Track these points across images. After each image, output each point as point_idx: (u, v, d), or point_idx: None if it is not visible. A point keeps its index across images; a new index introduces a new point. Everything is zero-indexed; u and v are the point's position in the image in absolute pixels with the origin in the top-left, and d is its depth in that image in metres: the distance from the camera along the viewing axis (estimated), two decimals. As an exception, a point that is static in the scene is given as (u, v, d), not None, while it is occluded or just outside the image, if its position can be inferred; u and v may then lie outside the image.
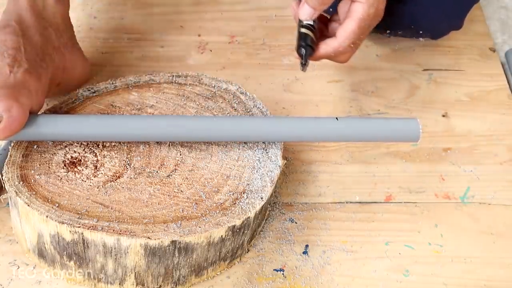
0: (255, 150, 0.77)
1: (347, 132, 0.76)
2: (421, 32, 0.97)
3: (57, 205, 0.69)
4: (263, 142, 0.78)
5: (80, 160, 0.74)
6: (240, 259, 0.77)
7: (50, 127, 0.72)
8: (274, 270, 0.76)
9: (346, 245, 0.79)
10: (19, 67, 0.73)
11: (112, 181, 0.72)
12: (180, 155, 0.76)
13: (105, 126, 0.73)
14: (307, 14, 0.80)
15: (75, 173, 0.72)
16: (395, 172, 0.87)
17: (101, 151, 0.75)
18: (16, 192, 0.69)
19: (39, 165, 0.73)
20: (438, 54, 1.03)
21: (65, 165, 0.73)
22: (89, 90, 0.82)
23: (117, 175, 0.73)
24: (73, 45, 0.87)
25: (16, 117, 0.69)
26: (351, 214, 0.82)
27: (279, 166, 0.76)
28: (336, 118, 0.76)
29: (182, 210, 0.70)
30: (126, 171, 0.73)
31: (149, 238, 0.67)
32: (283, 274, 0.76)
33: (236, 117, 0.78)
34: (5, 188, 0.72)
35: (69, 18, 0.87)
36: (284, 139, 0.77)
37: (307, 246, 0.79)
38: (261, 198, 0.72)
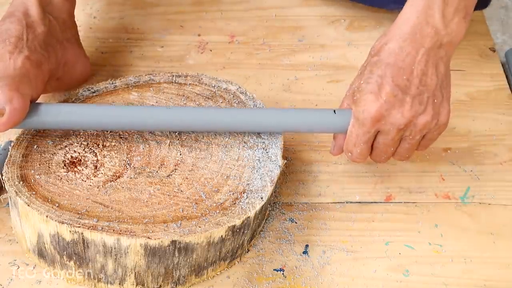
0: (255, 150, 0.77)
1: (344, 124, 0.76)
2: None
3: (57, 205, 0.69)
4: (263, 142, 0.78)
5: (80, 160, 0.74)
6: (240, 259, 0.77)
7: (51, 115, 0.73)
8: (274, 270, 0.76)
9: (346, 245, 0.79)
10: (20, 53, 0.74)
11: (112, 181, 0.72)
12: (180, 155, 0.76)
13: (106, 116, 0.74)
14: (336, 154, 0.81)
15: (75, 173, 0.72)
16: (395, 172, 0.87)
17: (101, 151, 0.75)
18: (16, 192, 0.69)
19: (39, 165, 0.73)
20: (438, 54, 1.03)
21: (65, 165, 0.73)
22: (89, 90, 0.82)
23: (117, 175, 0.73)
24: (76, 42, 0.88)
25: (18, 108, 0.70)
26: (351, 214, 0.82)
27: (279, 166, 0.76)
28: (334, 110, 0.76)
29: (182, 210, 0.70)
30: (126, 171, 0.73)
31: (149, 238, 0.67)
32: (283, 274, 0.76)
33: (232, 108, 0.79)
34: (5, 188, 0.72)
35: (74, 16, 0.88)
36: (280, 130, 0.77)
37: (307, 246, 0.78)
38: (261, 198, 0.72)
